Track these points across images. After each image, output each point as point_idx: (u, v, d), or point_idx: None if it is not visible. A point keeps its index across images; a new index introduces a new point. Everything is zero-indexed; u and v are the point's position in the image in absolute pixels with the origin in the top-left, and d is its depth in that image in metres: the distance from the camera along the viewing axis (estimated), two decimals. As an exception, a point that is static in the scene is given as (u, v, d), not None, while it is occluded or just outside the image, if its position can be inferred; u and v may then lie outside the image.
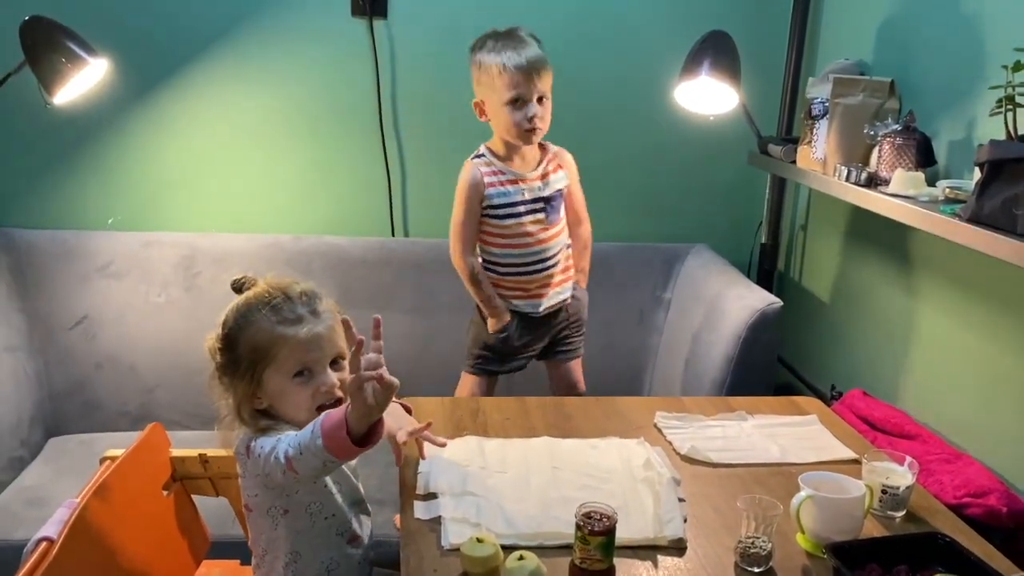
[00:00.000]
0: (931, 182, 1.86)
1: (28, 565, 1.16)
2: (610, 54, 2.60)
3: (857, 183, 1.97)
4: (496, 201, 2.09)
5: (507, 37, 2.04)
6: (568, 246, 2.22)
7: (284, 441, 1.23)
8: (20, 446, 2.19)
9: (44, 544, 1.20)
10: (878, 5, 2.25)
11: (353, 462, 1.45)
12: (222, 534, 1.70)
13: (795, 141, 2.33)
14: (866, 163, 2.03)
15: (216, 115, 2.52)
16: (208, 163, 2.55)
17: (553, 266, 2.17)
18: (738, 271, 2.46)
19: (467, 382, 2.25)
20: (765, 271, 2.71)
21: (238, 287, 1.37)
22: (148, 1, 2.41)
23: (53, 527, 1.24)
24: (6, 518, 1.95)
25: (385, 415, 1.46)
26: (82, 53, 2.09)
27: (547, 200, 2.13)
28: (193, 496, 1.61)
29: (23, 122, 2.41)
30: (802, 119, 2.26)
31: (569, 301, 2.22)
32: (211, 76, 2.48)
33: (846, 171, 2.00)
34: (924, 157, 1.90)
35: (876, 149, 1.98)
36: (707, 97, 2.39)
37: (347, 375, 1.32)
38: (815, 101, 2.16)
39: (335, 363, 1.34)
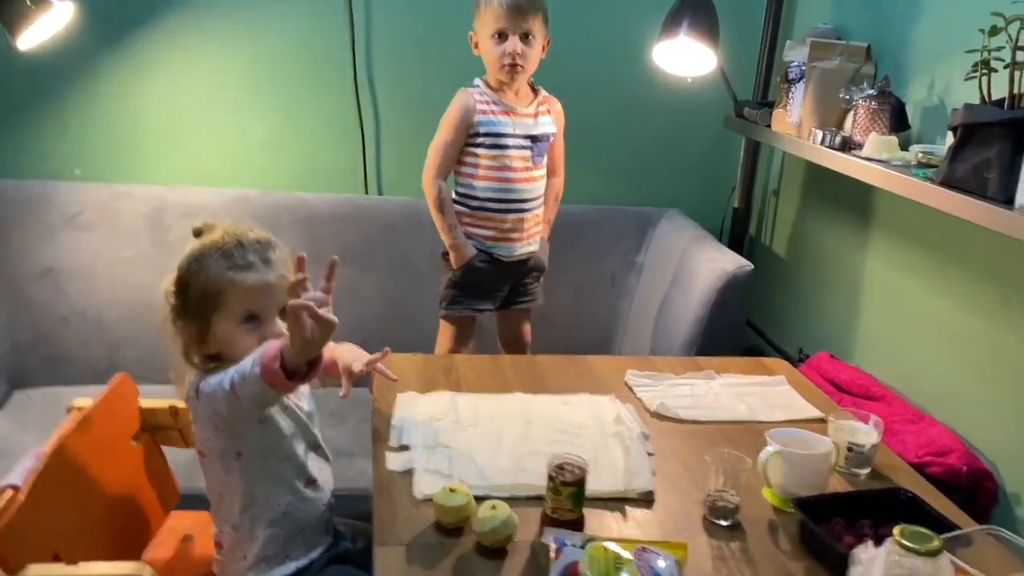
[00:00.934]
0: (904, 147, 1.88)
1: (-6, 511, 1.15)
2: (588, 14, 2.58)
3: (831, 147, 1.98)
4: (486, 129, 2.11)
5: None
6: (543, 200, 2.24)
7: (231, 371, 1.25)
8: (-16, 398, 2.16)
9: (10, 491, 1.19)
10: (857, -30, 2.25)
11: (307, 406, 1.45)
12: (191, 486, 1.69)
13: (771, 105, 2.34)
14: (841, 127, 2.04)
15: (187, 65, 2.46)
16: (178, 114, 2.49)
17: (529, 211, 2.19)
18: (710, 235, 2.47)
19: (444, 330, 2.27)
20: (737, 235, 2.73)
21: (197, 232, 1.38)
22: (116, -55, 2.35)
23: (19, 475, 1.23)
24: (-30, 469, 1.93)
25: (345, 351, 1.47)
26: (47, -4, 2.03)
27: (535, 139, 2.15)
28: (163, 447, 1.60)
29: (-14, 68, 2.35)
30: (778, 83, 2.27)
31: (534, 254, 2.25)
32: (182, 25, 2.43)
33: (821, 135, 2.01)
34: (898, 121, 1.91)
35: (851, 113, 1.99)
36: (685, 58, 2.38)
37: None
38: (792, 64, 2.16)
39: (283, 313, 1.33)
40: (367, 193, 2.63)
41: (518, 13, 2.04)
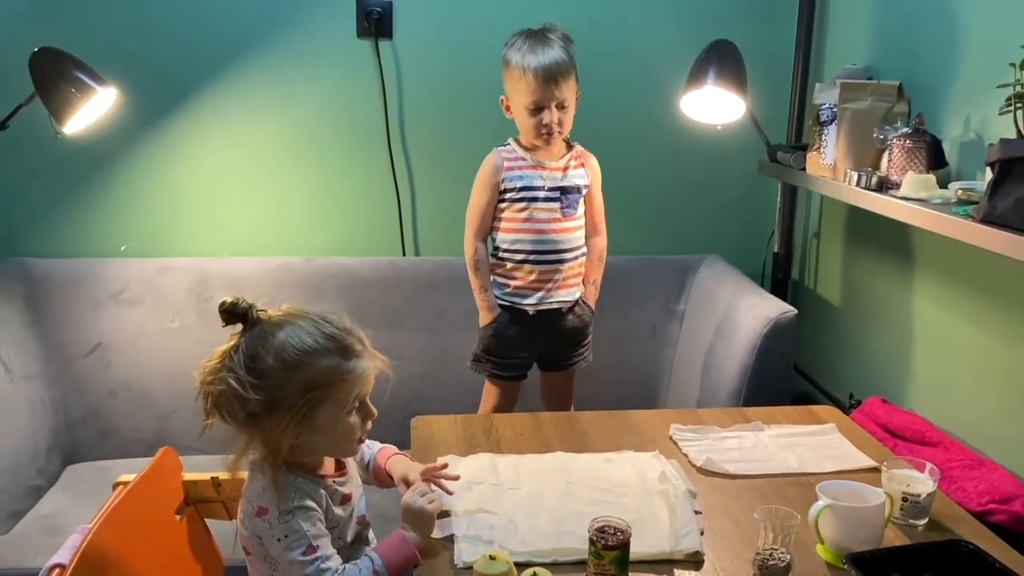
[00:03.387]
0: (943, 184, 1.84)
1: (40, 592, 1.16)
2: (616, 66, 2.60)
3: (868, 188, 1.95)
4: (512, 184, 2.12)
5: (535, 38, 2.06)
6: (583, 254, 2.22)
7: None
8: (37, 475, 2.19)
9: (56, 571, 1.20)
10: (883, 9, 2.24)
11: (361, 509, 1.43)
12: (236, 557, 1.68)
13: (804, 148, 2.32)
14: (876, 167, 2.01)
15: (225, 140, 2.53)
16: (218, 188, 2.56)
17: (559, 262, 2.16)
18: (751, 281, 2.44)
19: (488, 390, 2.27)
20: (779, 280, 2.69)
21: (238, 311, 1.26)
22: (155, 29, 2.43)
23: (65, 553, 1.23)
24: (24, 547, 1.95)
25: (397, 462, 1.48)
26: (91, 83, 2.11)
27: (564, 191, 2.15)
28: (206, 520, 1.60)
29: (35, 153, 2.43)
30: (810, 125, 2.25)
31: (570, 308, 2.21)
32: (219, 101, 2.50)
33: (856, 176, 1.98)
34: (935, 159, 1.88)
35: (886, 153, 1.96)
36: (714, 106, 2.38)
37: None
38: (823, 107, 2.14)
39: None
40: (404, 254, 2.65)
41: (553, 84, 2.02)
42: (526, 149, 2.16)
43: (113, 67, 2.27)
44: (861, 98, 2.05)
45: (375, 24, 2.49)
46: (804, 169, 2.28)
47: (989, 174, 1.56)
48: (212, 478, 1.55)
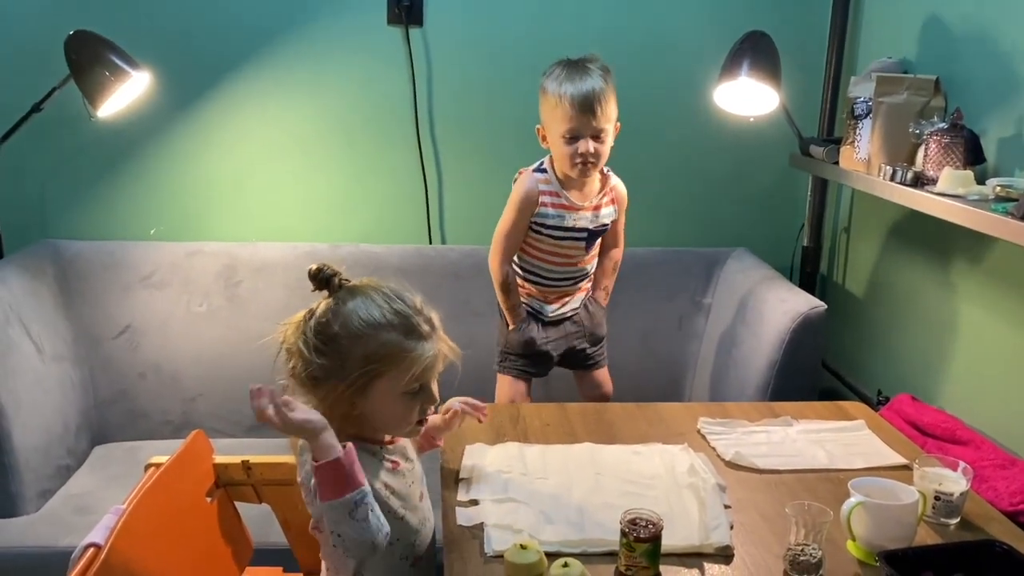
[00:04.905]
0: (980, 180, 1.82)
1: (76, 571, 1.17)
2: (649, 58, 2.59)
3: (903, 183, 1.93)
4: (546, 221, 2.06)
5: (573, 67, 1.98)
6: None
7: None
8: (67, 454, 2.22)
9: (92, 550, 1.21)
10: (919, 1, 2.21)
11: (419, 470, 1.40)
12: (265, 541, 1.71)
13: (837, 142, 2.30)
14: (911, 163, 1.99)
15: (255, 126, 2.54)
16: (248, 173, 2.57)
17: (575, 284, 2.17)
18: (780, 275, 2.42)
19: (502, 382, 2.25)
20: (808, 275, 2.67)
21: (325, 277, 1.27)
22: (188, 15, 2.44)
23: (100, 533, 1.25)
24: (54, 525, 1.98)
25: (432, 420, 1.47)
26: (125, 66, 2.13)
27: (591, 232, 2.11)
28: (236, 503, 1.62)
29: (68, 135, 2.45)
30: (844, 119, 2.22)
31: (580, 311, 2.20)
32: (250, 87, 2.51)
33: (891, 171, 1.96)
34: (973, 155, 1.85)
35: (922, 148, 1.94)
36: (747, 98, 2.36)
37: (438, 389, 1.32)
38: (858, 100, 2.12)
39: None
40: (431, 243, 2.65)
41: (591, 113, 1.94)
42: (560, 182, 2.07)
43: (147, 51, 2.29)
44: (897, 92, 2.02)
45: (405, 11, 2.49)
46: (837, 163, 2.25)
47: (1030, 171, 1.54)
48: (243, 461, 1.56)
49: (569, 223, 2.07)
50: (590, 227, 2.10)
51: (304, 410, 1.17)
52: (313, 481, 1.17)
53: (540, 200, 2.05)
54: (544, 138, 2.05)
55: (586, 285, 2.21)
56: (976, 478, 1.59)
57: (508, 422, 1.75)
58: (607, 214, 2.12)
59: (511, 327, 2.17)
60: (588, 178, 2.05)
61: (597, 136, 1.98)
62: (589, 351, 2.24)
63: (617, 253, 2.24)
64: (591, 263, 2.17)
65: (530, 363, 2.19)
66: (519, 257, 2.15)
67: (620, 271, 2.32)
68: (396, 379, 1.24)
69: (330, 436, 1.16)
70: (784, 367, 2.09)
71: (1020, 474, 1.68)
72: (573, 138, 1.97)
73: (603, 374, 2.29)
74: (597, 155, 1.99)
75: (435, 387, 1.31)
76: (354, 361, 1.23)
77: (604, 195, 2.11)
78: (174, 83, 2.45)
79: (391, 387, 1.25)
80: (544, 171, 2.07)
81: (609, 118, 1.99)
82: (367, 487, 1.17)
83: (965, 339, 2.04)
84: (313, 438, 1.15)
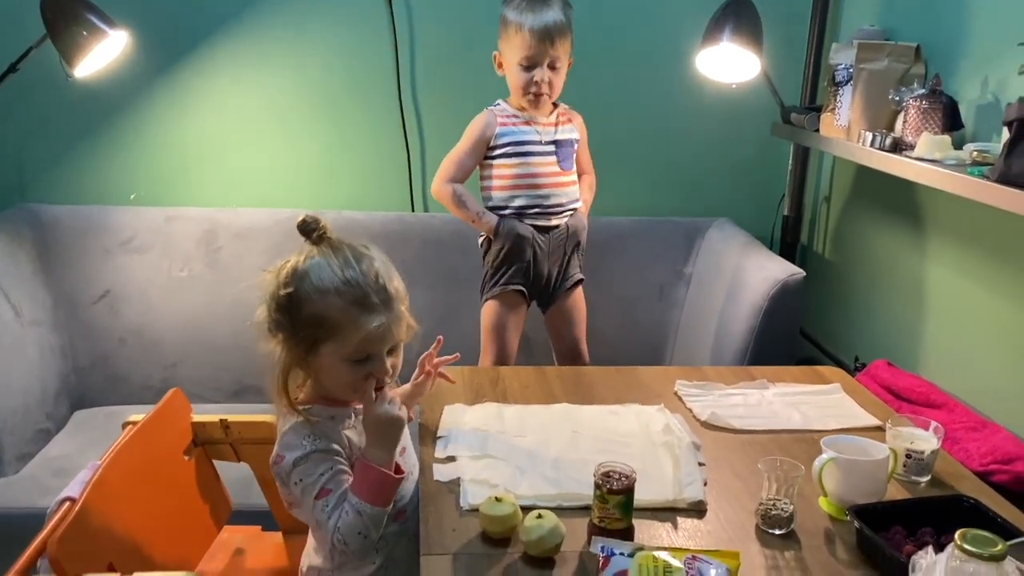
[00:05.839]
0: (958, 146, 1.83)
1: (51, 523, 1.18)
2: (630, 22, 2.57)
3: (882, 148, 1.94)
4: (507, 139, 2.13)
5: None
6: (576, 207, 2.24)
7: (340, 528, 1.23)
8: (46, 419, 2.21)
9: (67, 504, 1.22)
10: (904, -31, 2.21)
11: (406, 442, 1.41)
12: (244, 501, 1.71)
13: (818, 109, 2.30)
14: (891, 129, 2.00)
15: (236, 90, 2.52)
16: (229, 138, 2.55)
17: (559, 214, 2.19)
18: (761, 243, 2.43)
19: (488, 310, 2.22)
20: (788, 244, 2.68)
21: (309, 230, 1.27)
22: (167, -24, 2.42)
23: (76, 487, 1.25)
24: (32, 487, 1.97)
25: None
26: (102, 25, 2.10)
27: (558, 144, 2.17)
28: (215, 462, 1.62)
29: (46, 98, 2.43)
30: (826, 86, 2.23)
31: (568, 220, 2.21)
32: (231, 51, 2.48)
33: (871, 136, 1.97)
34: (951, 121, 1.86)
35: (901, 114, 1.95)
36: (729, 65, 2.36)
37: (399, 361, 1.31)
38: (839, 67, 2.12)
39: (391, 349, 1.30)
40: (413, 210, 2.65)
41: (548, 41, 2.04)
42: (516, 108, 2.16)
43: (124, 11, 2.26)
44: (878, 59, 2.03)
45: (388, -25, 2.47)
46: (818, 131, 2.26)
47: (1006, 134, 1.55)
48: (220, 420, 1.57)
49: (533, 136, 2.14)
50: (556, 138, 2.16)
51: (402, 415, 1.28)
52: (301, 478, 1.25)
53: (498, 122, 2.13)
54: (500, 65, 2.14)
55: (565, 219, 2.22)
56: (948, 440, 1.61)
57: (487, 384, 1.76)
58: (567, 130, 2.19)
59: (492, 233, 2.16)
60: (540, 109, 2.14)
61: (552, 65, 2.07)
62: (569, 265, 2.23)
63: (590, 178, 2.32)
64: (570, 189, 2.20)
65: (520, 272, 2.17)
66: (495, 201, 2.16)
67: (602, 240, 2.33)
68: (339, 345, 1.24)
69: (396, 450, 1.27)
70: (762, 333, 2.11)
71: (991, 436, 1.71)
72: (530, 66, 2.06)
73: (579, 293, 2.30)
74: (551, 85, 2.09)
75: (394, 359, 1.30)
76: (301, 320, 1.25)
77: (560, 115, 2.19)
78: (154, 46, 2.42)
79: (335, 352, 1.25)
80: (497, 104, 2.18)
81: (565, 49, 2.09)
82: (389, 507, 1.26)
83: (940, 304, 2.06)
84: (391, 443, 1.26)
